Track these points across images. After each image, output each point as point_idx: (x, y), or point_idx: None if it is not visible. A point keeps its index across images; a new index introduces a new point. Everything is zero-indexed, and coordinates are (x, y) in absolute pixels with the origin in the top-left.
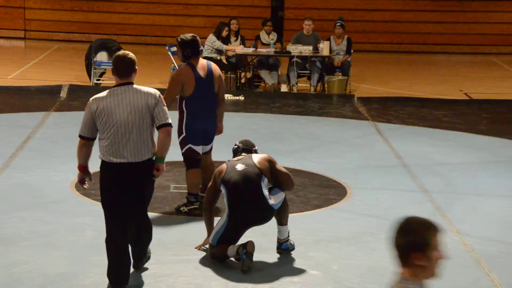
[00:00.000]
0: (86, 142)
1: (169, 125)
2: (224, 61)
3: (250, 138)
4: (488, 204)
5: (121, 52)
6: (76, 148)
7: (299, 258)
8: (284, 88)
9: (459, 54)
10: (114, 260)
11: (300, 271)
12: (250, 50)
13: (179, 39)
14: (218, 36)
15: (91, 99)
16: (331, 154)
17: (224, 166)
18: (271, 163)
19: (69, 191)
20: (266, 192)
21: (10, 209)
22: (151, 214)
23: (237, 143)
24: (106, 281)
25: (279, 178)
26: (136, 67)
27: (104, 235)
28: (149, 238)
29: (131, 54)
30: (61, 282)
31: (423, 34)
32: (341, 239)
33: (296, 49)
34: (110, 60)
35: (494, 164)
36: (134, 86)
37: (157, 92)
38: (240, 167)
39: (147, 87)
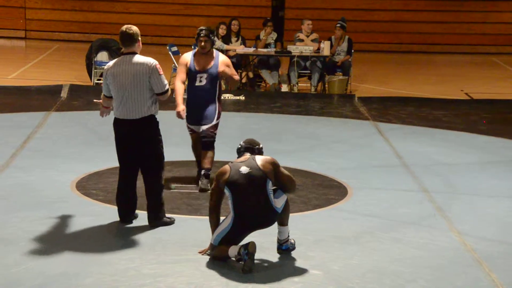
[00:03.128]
0: (104, 98)
1: (163, 93)
2: None
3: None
4: (488, 204)
5: (124, 26)
6: (75, 148)
7: (299, 258)
8: (284, 88)
9: (459, 54)
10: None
11: (300, 271)
12: (251, 50)
13: (208, 31)
14: (217, 36)
15: (105, 65)
16: (332, 154)
17: (227, 168)
18: (274, 166)
19: (69, 191)
20: (271, 196)
21: (10, 209)
22: None
23: (241, 143)
24: (106, 281)
25: (282, 181)
26: (139, 39)
27: (105, 234)
28: (154, 198)
29: (134, 28)
30: (61, 282)
31: (423, 34)
32: (342, 239)
33: (296, 49)
34: (110, 60)
35: (494, 164)
36: (136, 55)
37: (153, 62)
38: (244, 170)
39: (146, 57)
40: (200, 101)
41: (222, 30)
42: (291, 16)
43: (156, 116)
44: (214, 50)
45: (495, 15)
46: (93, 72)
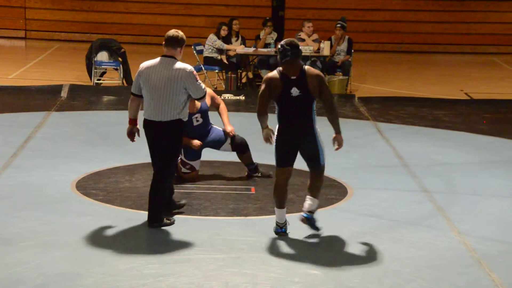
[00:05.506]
0: (134, 97)
1: (202, 97)
2: (225, 61)
3: (251, 138)
4: (488, 204)
5: (172, 30)
6: (76, 148)
7: (299, 258)
8: None
9: (460, 54)
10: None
11: (300, 271)
12: (251, 50)
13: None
14: (218, 36)
15: (142, 63)
16: (332, 154)
17: (278, 80)
18: (321, 85)
19: (69, 191)
20: (314, 117)
21: (10, 209)
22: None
23: (283, 44)
24: (107, 281)
25: (323, 98)
26: (182, 45)
27: (105, 234)
28: (155, 200)
29: (180, 34)
30: (62, 282)
31: (423, 34)
32: (342, 239)
33: None
34: (111, 60)
35: (495, 164)
36: (174, 60)
37: (189, 68)
38: (295, 92)
39: (183, 63)
40: (203, 134)
41: (224, 32)
42: (291, 16)
43: (184, 121)
44: None
45: (496, 15)
46: (93, 72)
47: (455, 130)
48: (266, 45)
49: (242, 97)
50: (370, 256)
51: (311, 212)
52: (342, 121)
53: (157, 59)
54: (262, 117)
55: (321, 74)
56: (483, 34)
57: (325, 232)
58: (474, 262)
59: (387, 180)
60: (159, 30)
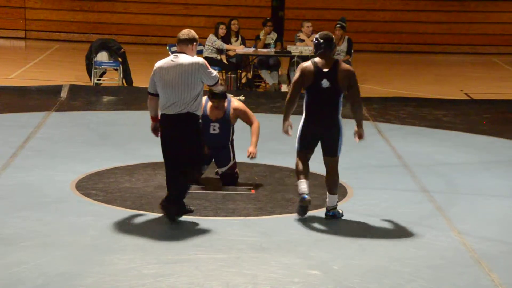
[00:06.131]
0: (151, 96)
1: (216, 83)
2: (225, 61)
3: (250, 137)
4: (488, 204)
5: (185, 29)
6: (76, 148)
7: (299, 258)
8: (284, 88)
9: (459, 54)
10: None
11: (300, 271)
12: (251, 50)
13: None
14: (217, 35)
15: (157, 62)
16: None
17: (311, 71)
18: (351, 80)
19: (69, 191)
20: (340, 109)
21: (10, 209)
22: (151, 214)
23: (318, 37)
24: (107, 281)
25: (351, 92)
26: (194, 43)
27: (105, 234)
28: (178, 185)
29: (192, 32)
30: (62, 282)
31: (423, 34)
32: (342, 239)
33: (296, 49)
34: (111, 60)
35: (495, 164)
36: (185, 55)
37: (201, 61)
38: (325, 84)
39: (194, 57)
40: (215, 145)
41: (222, 30)
42: (291, 16)
43: (199, 115)
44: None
45: (496, 15)
46: (93, 72)
47: (455, 130)
48: (266, 45)
49: (242, 97)
50: (370, 256)
51: (334, 208)
52: (342, 121)
53: (170, 57)
54: (291, 106)
55: (352, 69)
56: (483, 34)
57: (325, 232)
58: (474, 262)
59: (387, 180)
60: (159, 30)
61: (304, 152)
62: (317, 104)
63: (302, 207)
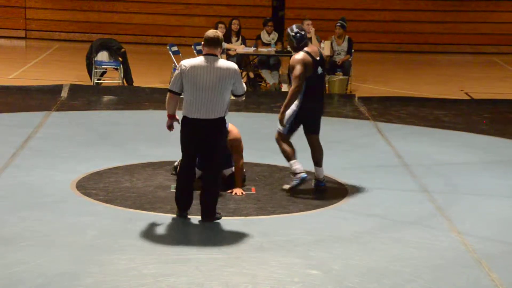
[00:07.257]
0: (173, 95)
1: (243, 94)
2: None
3: (250, 137)
4: (488, 204)
5: (211, 31)
6: (76, 148)
7: (299, 258)
8: (285, 87)
9: (460, 54)
10: (177, 189)
11: (300, 271)
12: (251, 49)
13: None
14: None
15: (183, 61)
16: (332, 154)
17: (310, 60)
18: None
19: (69, 191)
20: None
21: (10, 209)
22: (151, 214)
23: (298, 30)
24: (107, 281)
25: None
26: (221, 46)
27: (105, 234)
28: (211, 195)
29: (220, 34)
30: (61, 282)
31: (423, 34)
32: (342, 239)
33: None
34: (111, 60)
35: (495, 164)
36: (218, 58)
37: (236, 67)
38: (319, 70)
39: (227, 61)
40: None
41: (221, 30)
42: (291, 16)
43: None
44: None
45: (496, 15)
46: (93, 72)
47: (455, 130)
48: (265, 45)
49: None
50: (370, 256)
51: (324, 179)
52: (342, 121)
53: (201, 58)
54: (297, 97)
55: None
56: (483, 34)
57: (325, 232)
58: (474, 262)
59: (387, 180)
60: (159, 30)
61: (289, 136)
62: (315, 90)
63: (302, 183)
